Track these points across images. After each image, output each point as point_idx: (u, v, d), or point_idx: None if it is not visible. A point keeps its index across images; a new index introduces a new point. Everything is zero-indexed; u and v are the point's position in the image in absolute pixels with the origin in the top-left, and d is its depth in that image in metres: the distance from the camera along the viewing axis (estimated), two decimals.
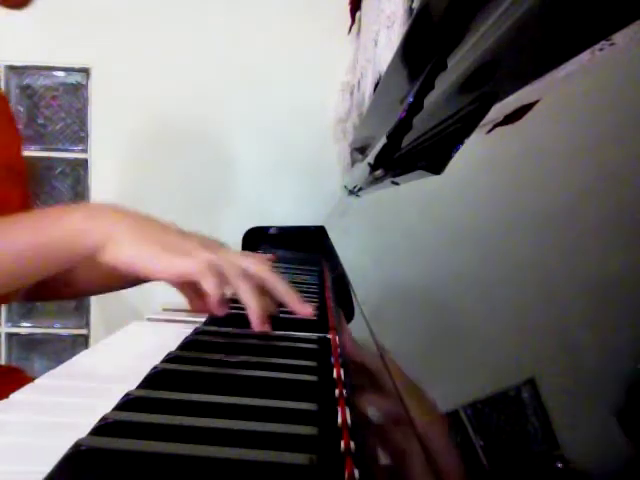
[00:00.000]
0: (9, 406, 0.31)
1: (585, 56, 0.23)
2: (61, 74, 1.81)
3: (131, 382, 0.33)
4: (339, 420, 0.29)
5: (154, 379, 0.34)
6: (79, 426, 0.26)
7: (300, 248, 1.28)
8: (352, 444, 0.26)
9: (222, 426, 0.27)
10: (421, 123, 0.57)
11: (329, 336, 0.48)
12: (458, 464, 0.16)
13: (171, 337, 0.46)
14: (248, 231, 1.43)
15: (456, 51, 0.51)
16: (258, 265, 0.51)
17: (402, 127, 0.63)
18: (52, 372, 0.38)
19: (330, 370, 0.37)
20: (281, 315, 0.53)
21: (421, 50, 0.63)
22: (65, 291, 0.81)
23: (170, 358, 0.38)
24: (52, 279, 0.55)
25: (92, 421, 0.26)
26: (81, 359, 0.42)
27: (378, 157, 0.75)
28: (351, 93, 1.50)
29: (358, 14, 1.55)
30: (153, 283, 0.54)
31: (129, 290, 0.80)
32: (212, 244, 0.54)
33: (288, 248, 1.27)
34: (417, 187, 0.41)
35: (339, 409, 0.30)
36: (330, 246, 0.89)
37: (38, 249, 0.51)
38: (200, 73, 1.76)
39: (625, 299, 0.12)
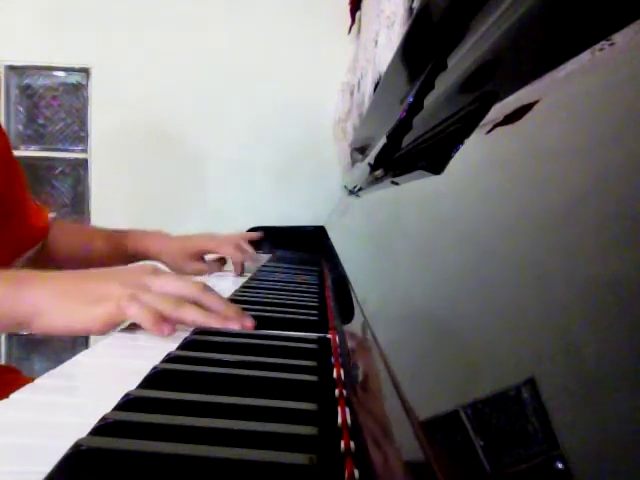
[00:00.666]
0: (9, 406, 0.31)
1: (585, 56, 0.23)
2: (61, 74, 1.81)
3: (131, 382, 0.33)
4: (339, 420, 0.29)
5: (154, 379, 0.34)
6: (79, 426, 0.26)
7: (300, 248, 1.28)
8: (352, 444, 0.26)
9: (222, 426, 0.27)
10: (421, 123, 0.57)
11: (329, 336, 0.48)
12: (458, 464, 0.16)
13: (171, 337, 0.46)
14: (248, 231, 1.43)
15: (456, 51, 0.51)
16: (189, 287, 0.50)
17: (402, 127, 0.63)
18: (52, 372, 0.38)
19: (330, 370, 0.37)
20: (281, 315, 0.53)
21: (421, 50, 0.63)
22: None
23: (170, 358, 0.38)
24: None
25: (92, 421, 0.26)
26: (81, 359, 0.42)
27: (378, 157, 0.76)
28: (351, 93, 1.50)
29: (358, 14, 1.55)
30: None
31: None
32: (137, 275, 0.51)
33: (288, 248, 1.27)
34: (417, 187, 0.41)
35: (339, 409, 0.30)
36: (330, 246, 0.89)
37: None
38: (200, 73, 1.76)
39: (625, 299, 0.12)
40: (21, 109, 1.81)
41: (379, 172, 0.72)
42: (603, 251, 0.14)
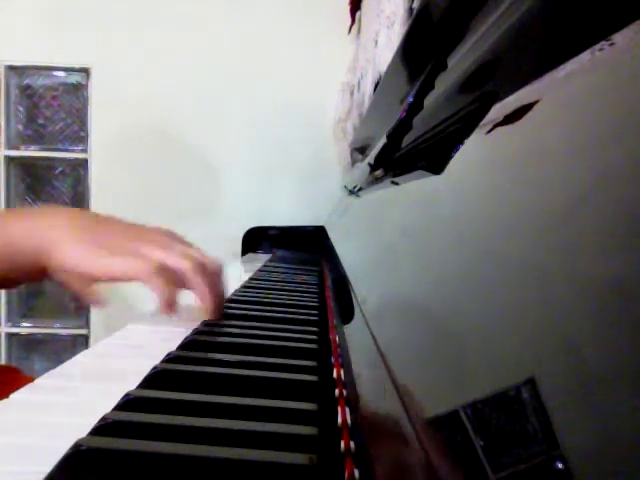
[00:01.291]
0: (9, 406, 0.31)
1: (585, 56, 0.23)
2: (61, 74, 1.81)
3: (131, 382, 0.33)
4: (339, 420, 0.29)
5: (154, 379, 0.34)
6: (79, 426, 0.26)
7: (300, 248, 1.28)
8: (352, 444, 0.26)
9: (222, 426, 0.27)
10: (421, 123, 0.57)
11: (329, 336, 0.48)
12: (458, 464, 0.16)
13: (171, 337, 0.46)
14: (248, 231, 1.43)
15: (456, 51, 0.51)
16: (208, 265, 0.50)
17: (402, 127, 0.63)
18: (52, 372, 0.38)
19: (330, 370, 0.37)
20: (281, 315, 0.53)
21: (421, 50, 0.63)
22: None
23: (170, 358, 0.38)
24: None
25: (92, 421, 0.26)
26: (81, 359, 0.42)
27: (378, 157, 0.76)
28: (351, 93, 1.50)
29: (358, 14, 1.55)
30: None
31: (129, 290, 0.80)
32: (166, 239, 0.51)
33: (288, 248, 1.27)
34: (417, 187, 0.41)
35: (339, 409, 0.30)
36: (330, 246, 0.89)
37: None
38: (200, 73, 1.76)
39: (626, 299, 0.12)
40: (21, 109, 1.81)
41: (379, 172, 0.72)
42: (603, 251, 0.14)
